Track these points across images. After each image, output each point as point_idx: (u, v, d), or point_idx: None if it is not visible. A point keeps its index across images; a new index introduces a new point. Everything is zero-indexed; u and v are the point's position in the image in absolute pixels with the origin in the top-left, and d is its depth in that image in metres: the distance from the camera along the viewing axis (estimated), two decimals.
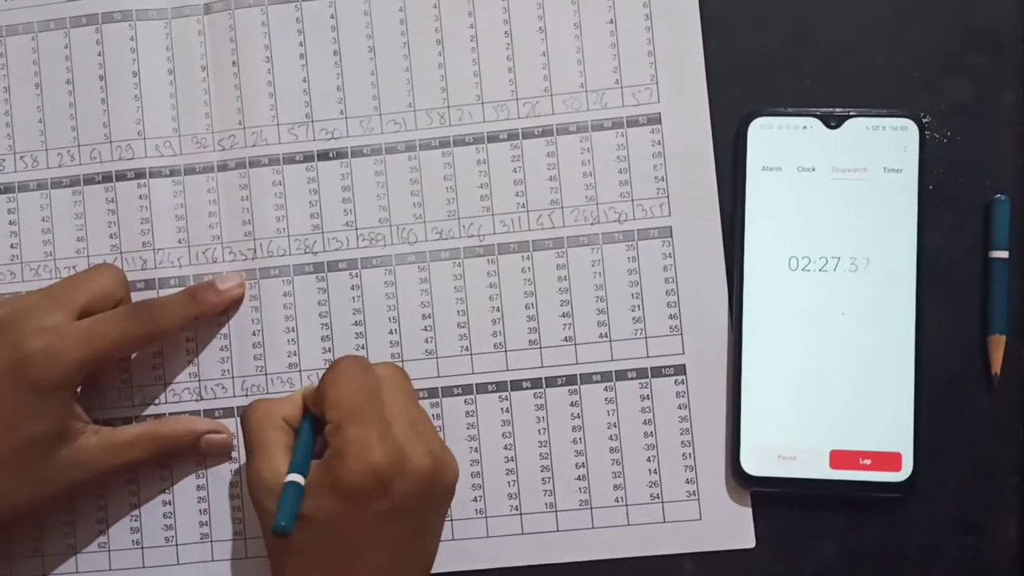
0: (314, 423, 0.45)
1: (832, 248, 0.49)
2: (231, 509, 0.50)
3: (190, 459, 0.50)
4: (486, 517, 0.50)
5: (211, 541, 0.50)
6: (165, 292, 0.51)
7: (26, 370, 0.44)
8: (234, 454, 0.50)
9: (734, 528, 0.49)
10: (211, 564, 0.50)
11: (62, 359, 0.44)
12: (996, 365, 0.49)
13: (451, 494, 0.46)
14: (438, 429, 0.50)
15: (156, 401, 0.51)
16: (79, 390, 0.47)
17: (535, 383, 0.50)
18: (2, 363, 0.44)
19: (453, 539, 0.50)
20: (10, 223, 0.52)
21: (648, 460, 0.50)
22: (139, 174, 0.51)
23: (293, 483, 0.42)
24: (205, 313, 0.50)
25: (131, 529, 0.50)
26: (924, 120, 0.49)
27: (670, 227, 0.50)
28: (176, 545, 0.50)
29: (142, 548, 0.50)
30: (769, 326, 0.49)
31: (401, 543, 0.44)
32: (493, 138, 0.51)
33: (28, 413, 0.44)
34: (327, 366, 0.45)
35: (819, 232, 0.49)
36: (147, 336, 0.47)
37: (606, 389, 0.50)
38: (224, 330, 0.51)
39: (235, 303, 0.51)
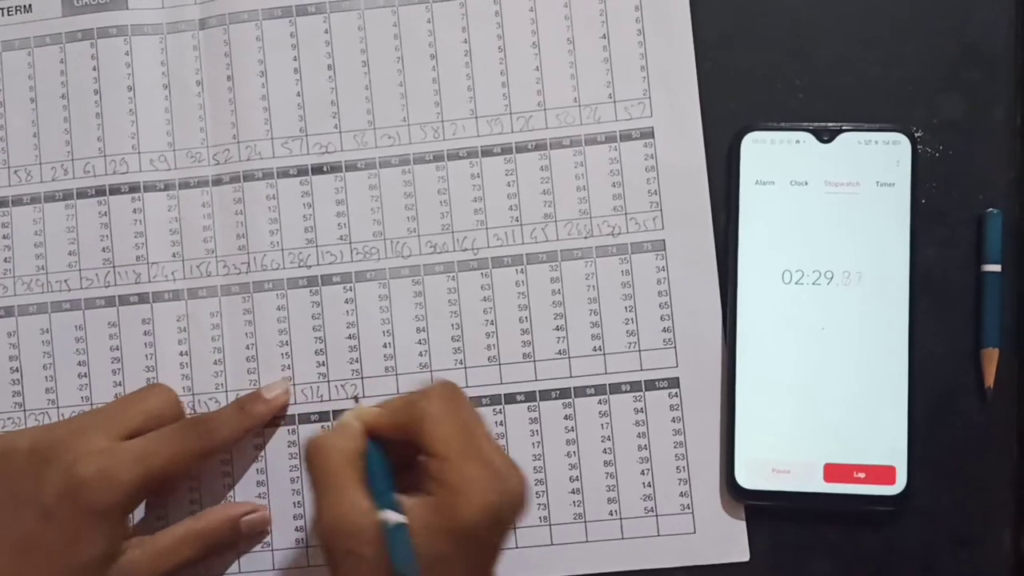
0: (383, 451, 0.43)
1: (825, 262, 0.49)
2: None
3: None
4: None
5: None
6: (159, 306, 0.51)
7: (81, 495, 0.43)
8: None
9: (728, 541, 0.49)
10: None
11: (117, 481, 0.43)
12: (989, 378, 0.49)
13: None
14: None
15: None
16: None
17: (529, 396, 0.50)
18: (57, 488, 0.43)
19: None
20: (3, 237, 0.52)
21: (642, 473, 0.50)
22: (133, 188, 0.52)
23: (400, 524, 0.39)
24: (255, 425, 0.49)
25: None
26: (916, 134, 0.49)
27: (663, 240, 0.50)
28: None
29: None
30: (763, 339, 0.49)
31: (492, 573, 0.42)
32: (487, 152, 0.51)
33: (84, 537, 0.43)
34: (417, 389, 0.43)
35: (812, 246, 0.49)
36: (201, 453, 0.47)
37: (600, 402, 0.50)
38: (218, 344, 0.51)
39: (282, 409, 0.50)
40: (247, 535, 0.50)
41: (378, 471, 0.42)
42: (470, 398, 0.50)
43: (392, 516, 0.39)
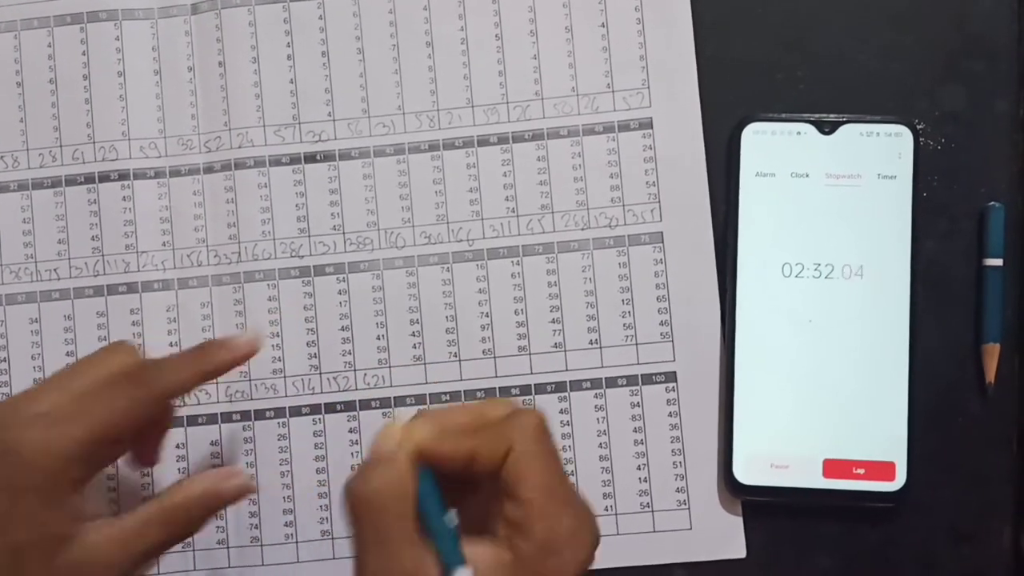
0: (436, 484, 0.36)
1: (826, 255, 0.48)
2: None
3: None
4: None
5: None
6: (148, 295, 0.50)
7: (15, 469, 0.38)
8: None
9: (725, 538, 0.49)
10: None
11: (52, 452, 0.38)
12: (990, 374, 0.49)
13: None
14: None
15: None
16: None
17: (524, 390, 0.49)
18: None
19: None
20: None
21: (638, 468, 0.49)
22: (123, 175, 0.51)
23: None
24: (214, 370, 0.43)
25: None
26: (918, 127, 0.49)
27: (661, 232, 0.50)
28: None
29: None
30: (762, 333, 0.48)
31: None
32: (483, 142, 0.50)
33: (19, 516, 0.38)
34: (506, 412, 0.38)
35: (813, 239, 0.48)
36: (153, 399, 0.41)
37: (596, 396, 0.49)
38: (208, 335, 0.50)
39: (245, 359, 0.44)
40: (231, 502, 0.43)
41: (434, 511, 0.35)
42: (464, 391, 0.49)
43: (463, 573, 0.34)
